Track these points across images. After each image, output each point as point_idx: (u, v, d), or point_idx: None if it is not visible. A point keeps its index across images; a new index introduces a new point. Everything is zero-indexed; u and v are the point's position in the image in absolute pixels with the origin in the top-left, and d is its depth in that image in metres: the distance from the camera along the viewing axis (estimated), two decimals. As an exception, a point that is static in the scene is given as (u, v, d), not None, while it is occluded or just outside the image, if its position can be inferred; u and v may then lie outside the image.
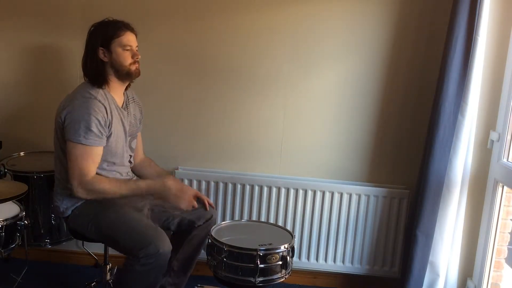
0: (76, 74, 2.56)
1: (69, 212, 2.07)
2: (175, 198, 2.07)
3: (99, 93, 2.01)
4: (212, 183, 2.63)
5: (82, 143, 1.93)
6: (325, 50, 2.55)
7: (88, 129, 1.93)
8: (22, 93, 2.69)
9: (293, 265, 2.06)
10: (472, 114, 2.26)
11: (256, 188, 2.62)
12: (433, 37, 2.45)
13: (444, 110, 2.26)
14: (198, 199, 2.29)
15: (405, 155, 2.60)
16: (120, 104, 2.12)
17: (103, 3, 2.55)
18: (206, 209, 2.26)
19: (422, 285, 2.40)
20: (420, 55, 2.50)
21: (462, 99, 2.25)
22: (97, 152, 1.99)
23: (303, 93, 2.59)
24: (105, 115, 1.99)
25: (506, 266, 2.41)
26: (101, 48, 2.02)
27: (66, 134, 1.96)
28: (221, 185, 2.63)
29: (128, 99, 2.20)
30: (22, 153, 2.62)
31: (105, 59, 2.03)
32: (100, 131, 1.96)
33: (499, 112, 2.34)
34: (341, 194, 2.59)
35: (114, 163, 2.10)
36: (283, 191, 2.61)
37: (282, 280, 1.98)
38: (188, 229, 2.24)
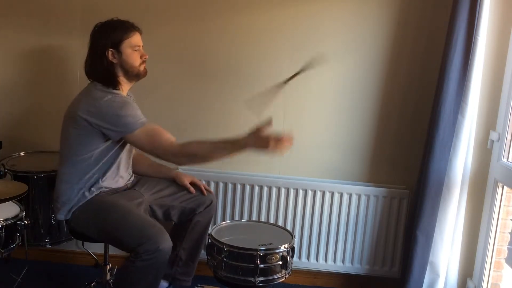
0: (75, 74, 2.57)
1: (70, 215, 2.07)
2: (263, 146, 1.92)
3: (115, 91, 2.02)
4: (212, 183, 2.63)
5: (140, 127, 1.95)
6: (325, 50, 2.54)
7: (135, 113, 1.96)
8: (22, 94, 2.69)
9: (293, 265, 2.06)
10: (472, 114, 2.26)
11: (256, 188, 2.62)
12: (433, 37, 2.45)
13: (444, 110, 2.26)
14: (195, 185, 2.29)
15: (405, 155, 2.60)
16: None
17: (103, 4, 2.55)
18: (203, 194, 2.27)
19: (422, 285, 2.40)
20: (420, 55, 2.50)
21: (462, 99, 2.25)
22: (156, 125, 2.01)
23: (303, 93, 2.59)
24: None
25: (506, 266, 2.41)
26: (110, 49, 2.01)
27: (122, 132, 1.95)
28: (221, 185, 2.63)
29: (129, 98, 2.20)
30: (22, 153, 2.62)
31: (114, 61, 2.02)
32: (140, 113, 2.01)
33: (499, 112, 2.34)
34: (341, 194, 2.59)
35: (119, 164, 2.12)
36: (283, 191, 2.60)
37: (282, 280, 1.98)
38: (190, 217, 2.25)
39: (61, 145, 2.08)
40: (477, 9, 2.15)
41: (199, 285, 2.40)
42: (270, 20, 2.53)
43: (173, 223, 2.34)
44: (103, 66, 2.02)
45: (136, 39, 2.05)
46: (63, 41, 2.61)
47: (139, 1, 2.57)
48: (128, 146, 2.14)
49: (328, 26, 2.52)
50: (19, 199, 2.06)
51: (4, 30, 2.64)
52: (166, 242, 1.90)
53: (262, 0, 2.52)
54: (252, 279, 1.90)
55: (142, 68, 2.08)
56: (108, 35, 2.01)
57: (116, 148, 2.06)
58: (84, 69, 2.09)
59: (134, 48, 2.04)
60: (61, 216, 2.08)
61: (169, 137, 1.99)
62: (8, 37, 2.64)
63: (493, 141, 2.35)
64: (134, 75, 2.08)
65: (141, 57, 2.07)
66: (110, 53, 2.01)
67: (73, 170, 2.04)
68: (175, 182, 2.31)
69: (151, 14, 2.56)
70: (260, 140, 1.89)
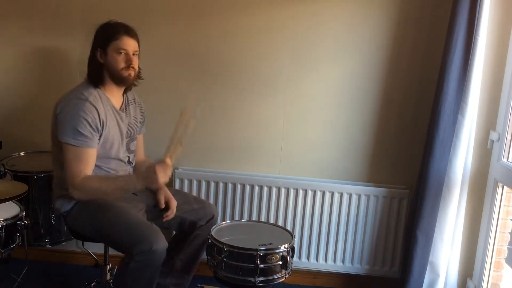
0: (75, 74, 2.55)
1: (68, 209, 2.07)
2: (155, 178, 1.92)
3: (93, 94, 2.01)
4: (212, 183, 2.63)
5: (71, 144, 1.93)
6: (325, 50, 2.55)
7: (77, 130, 1.93)
8: (22, 94, 2.69)
9: (293, 265, 2.06)
10: (472, 114, 2.26)
11: (256, 188, 2.62)
12: (433, 37, 2.45)
13: (444, 110, 2.26)
14: (187, 204, 2.27)
15: (405, 155, 2.60)
16: (117, 106, 2.12)
17: (103, 4, 2.55)
18: (167, 215, 2.20)
19: (422, 285, 2.40)
20: (420, 55, 2.50)
21: (462, 99, 2.25)
22: (89, 153, 1.97)
23: (303, 93, 2.59)
24: (96, 116, 1.98)
25: (506, 266, 2.41)
26: (99, 49, 2.03)
27: (57, 134, 1.97)
28: (221, 185, 2.63)
29: (128, 101, 2.19)
30: (22, 153, 2.62)
31: (101, 61, 2.04)
32: (90, 132, 1.96)
33: (499, 112, 2.34)
34: (341, 194, 2.59)
35: (110, 164, 2.10)
36: (283, 191, 2.60)
37: (282, 280, 1.98)
38: (191, 229, 2.24)
39: (51, 143, 2.10)
40: (477, 9, 2.15)
41: (199, 285, 2.40)
42: (270, 20, 2.53)
43: (174, 233, 2.35)
44: (92, 65, 2.06)
45: (122, 43, 2.01)
46: (63, 41, 2.61)
47: (139, 1, 2.57)
48: (118, 149, 2.12)
49: (328, 26, 2.52)
50: (19, 199, 2.06)
51: (4, 30, 2.64)
52: (161, 243, 1.89)
53: (262, 1, 2.52)
54: (252, 279, 1.90)
55: (126, 73, 2.04)
56: (100, 35, 2.05)
57: (104, 148, 2.05)
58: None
59: (118, 52, 2.01)
60: (59, 212, 2.09)
61: (84, 169, 1.95)
62: (8, 37, 2.64)
63: (493, 141, 2.35)
64: (117, 79, 2.06)
65: (126, 62, 2.03)
66: (98, 53, 2.04)
67: (62, 171, 2.04)
68: (180, 192, 2.32)
69: (150, 15, 2.56)
70: (147, 172, 1.95)
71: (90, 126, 1.95)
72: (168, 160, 1.95)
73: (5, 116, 2.71)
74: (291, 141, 2.65)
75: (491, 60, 2.30)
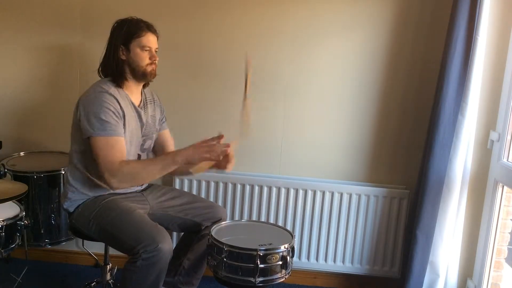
0: (75, 74, 2.57)
1: (73, 209, 2.08)
2: (204, 153, 1.97)
3: (111, 89, 2.03)
4: (212, 183, 2.63)
5: (101, 136, 1.94)
6: (325, 51, 2.55)
7: (103, 120, 1.94)
8: (21, 93, 2.69)
9: (293, 265, 2.06)
10: (472, 114, 2.26)
11: (256, 188, 2.62)
12: (433, 37, 2.45)
13: (444, 110, 2.26)
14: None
15: (405, 155, 2.60)
16: (136, 103, 2.13)
17: (103, 3, 2.55)
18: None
19: (422, 285, 2.40)
20: (420, 55, 2.50)
21: (462, 99, 2.25)
22: (119, 141, 1.98)
23: (303, 93, 2.59)
24: (117, 106, 2.00)
25: (506, 266, 2.41)
26: (121, 46, 2.04)
27: (84, 131, 1.96)
28: (221, 185, 2.63)
29: (146, 99, 2.21)
30: (22, 153, 2.63)
31: (123, 57, 2.06)
32: (115, 120, 1.97)
33: (499, 112, 2.34)
34: (341, 194, 2.59)
35: None
36: (283, 191, 2.61)
37: (282, 280, 1.97)
38: (197, 230, 2.25)
39: (71, 139, 2.10)
40: (477, 9, 2.15)
41: (198, 284, 2.40)
42: (270, 20, 2.53)
43: (182, 234, 2.35)
44: (113, 62, 2.06)
45: (147, 39, 2.06)
46: (63, 41, 2.61)
47: (138, 1, 2.56)
48: (135, 145, 2.13)
49: (328, 27, 2.52)
50: (19, 199, 2.06)
51: (3, 30, 2.64)
52: (166, 242, 1.90)
53: (262, 1, 2.52)
54: (252, 279, 1.90)
55: (149, 69, 2.08)
56: (121, 32, 2.05)
57: None
58: (98, 67, 2.10)
59: (143, 48, 2.05)
60: (65, 205, 2.10)
61: (120, 155, 1.95)
62: (7, 37, 2.64)
63: (493, 141, 2.35)
64: (140, 75, 2.08)
65: (150, 58, 2.07)
66: (120, 49, 2.05)
67: (78, 166, 2.06)
68: (185, 193, 2.31)
69: (149, 14, 2.53)
70: (202, 147, 1.97)
71: (114, 114, 1.97)
72: (231, 149, 2.00)
73: (5, 116, 2.71)
74: (291, 141, 2.65)
75: (491, 60, 2.30)
